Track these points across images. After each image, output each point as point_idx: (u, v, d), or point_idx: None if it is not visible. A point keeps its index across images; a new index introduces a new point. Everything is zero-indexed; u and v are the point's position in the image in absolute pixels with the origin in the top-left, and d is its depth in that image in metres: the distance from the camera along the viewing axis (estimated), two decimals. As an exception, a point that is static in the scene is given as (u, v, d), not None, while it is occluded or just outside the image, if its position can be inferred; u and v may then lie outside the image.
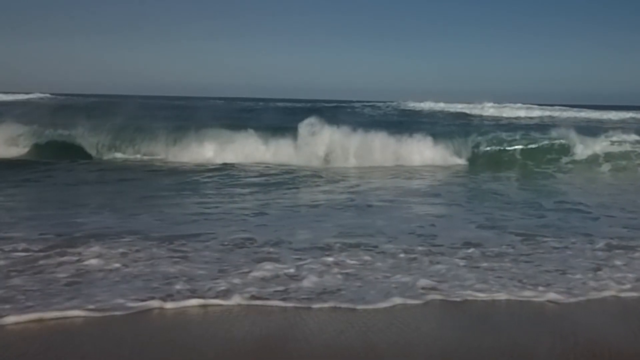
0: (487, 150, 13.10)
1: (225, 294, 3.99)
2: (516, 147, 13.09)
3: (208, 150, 12.09)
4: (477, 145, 13.19)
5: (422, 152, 12.59)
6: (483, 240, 5.56)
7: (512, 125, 19.10)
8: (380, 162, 12.11)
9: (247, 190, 8.61)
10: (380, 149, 12.42)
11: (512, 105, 37.85)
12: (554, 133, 13.41)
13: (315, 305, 3.85)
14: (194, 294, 3.97)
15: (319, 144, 12.24)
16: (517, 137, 13.39)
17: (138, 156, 12.19)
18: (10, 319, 3.44)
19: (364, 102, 48.80)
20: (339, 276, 4.44)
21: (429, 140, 12.91)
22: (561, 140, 13.06)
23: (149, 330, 3.49)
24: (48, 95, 45.35)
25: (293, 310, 3.77)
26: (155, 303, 3.77)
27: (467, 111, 34.05)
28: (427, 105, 39.85)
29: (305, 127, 12.55)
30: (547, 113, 35.39)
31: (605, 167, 12.20)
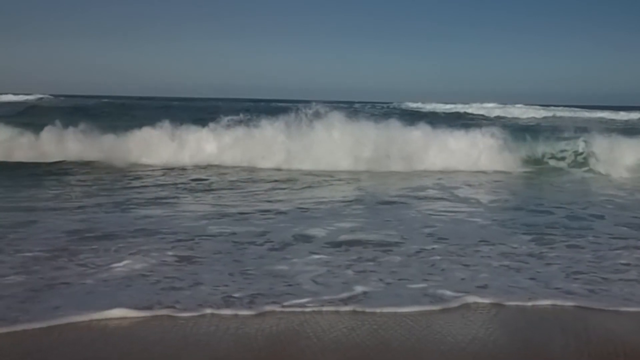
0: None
1: (238, 294, 3.90)
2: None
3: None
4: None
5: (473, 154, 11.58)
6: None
7: (532, 126, 18.50)
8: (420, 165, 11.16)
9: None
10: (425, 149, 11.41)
11: (514, 105, 37.59)
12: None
13: (330, 308, 3.71)
14: (206, 295, 3.87)
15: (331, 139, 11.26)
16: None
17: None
18: (22, 325, 3.34)
19: (361, 102, 48.53)
20: (356, 277, 4.33)
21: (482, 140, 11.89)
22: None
23: (159, 331, 3.40)
24: (48, 96, 44.95)
25: (309, 313, 3.64)
26: (166, 311, 3.63)
27: (472, 111, 33.73)
28: (426, 106, 39.57)
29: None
30: (551, 113, 35.12)
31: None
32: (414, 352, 3.17)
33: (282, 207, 7.05)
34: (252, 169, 10.62)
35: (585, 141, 12.28)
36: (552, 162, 11.91)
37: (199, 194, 8.08)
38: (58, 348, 3.15)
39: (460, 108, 36.83)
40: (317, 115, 11.79)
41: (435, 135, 12.04)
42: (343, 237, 5.49)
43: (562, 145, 12.43)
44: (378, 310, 3.70)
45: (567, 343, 3.30)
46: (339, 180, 9.72)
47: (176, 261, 4.60)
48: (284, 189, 8.69)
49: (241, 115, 12.34)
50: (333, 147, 11.18)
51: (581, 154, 12.04)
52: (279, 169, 10.66)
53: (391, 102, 49.50)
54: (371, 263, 4.68)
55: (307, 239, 5.41)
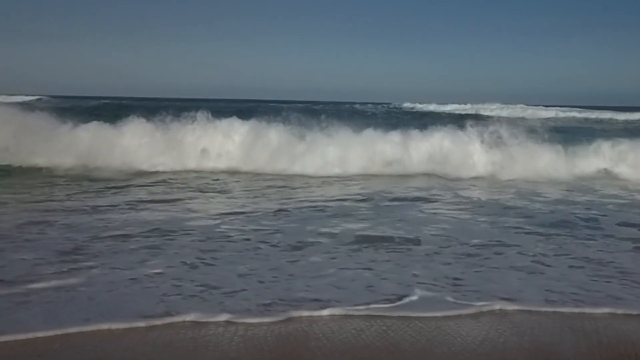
0: None
1: (252, 297, 3.82)
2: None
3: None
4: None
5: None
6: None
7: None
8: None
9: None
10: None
11: (515, 106, 37.18)
12: None
13: (349, 312, 3.60)
14: (219, 299, 3.79)
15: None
16: None
17: None
18: (34, 333, 3.25)
19: (362, 103, 48.48)
20: (373, 278, 4.25)
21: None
22: None
23: (171, 333, 3.35)
24: (46, 97, 44.76)
25: (325, 318, 3.54)
26: (181, 317, 3.53)
27: (479, 111, 33.35)
28: (428, 106, 39.30)
29: None
30: (553, 113, 34.76)
31: None
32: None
33: (294, 206, 7.05)
34: (262, 173, 10.22)
35: (608, 143, 11.88)
36: (582, 165, 11.33)
37: (210, 195, 8.05)
38: (64, 355, 3.05)
39: (462, 109, 36.50)
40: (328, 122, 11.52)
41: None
42: (357, 237, 5.47)
43: (587, 147, 11.92)
44: (396, 314, 3.61)
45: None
46: (351, 181, 9.65)
47: (190, 264, 4.54)
48: (295, 188, 8.68)
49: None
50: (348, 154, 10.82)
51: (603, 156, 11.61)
52: (291, 174, 10.23)
53: (390, 103, 49.45)
54: (389, 265, 4.62)
55: (322, 239, 5.37)
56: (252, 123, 11.65)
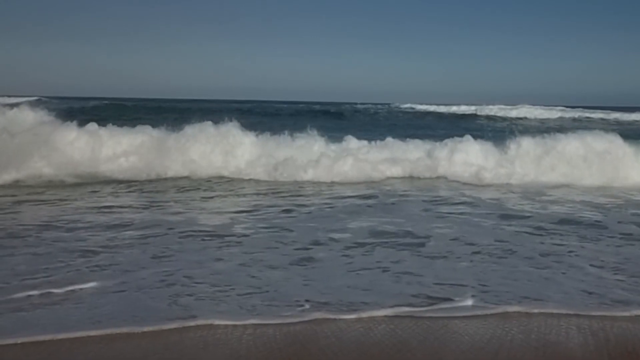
0: None
1: (265, 297, 3.82)
2: None
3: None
4: None
5: None
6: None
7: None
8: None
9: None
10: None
11: (516, 106, 36.81)
12: None
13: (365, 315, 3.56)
14: (236, 300, 3.76)
15: None
16: None
17: None
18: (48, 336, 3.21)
19: (363, 103, 48.43)
20: (390, 279, 4.23)
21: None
22: None
23: (177, 333, 3.34)
24: (43, 98, 44.44)
25: (348, 320, 3.50)
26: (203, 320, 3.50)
27: (485, 112, 33.10)
28: (427, 108, 39.07)
29: None
30: (558, 114, 34.54)
31: None
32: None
33: (306, 204, 7.15)
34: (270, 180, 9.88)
35: None
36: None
37: (222, 195, 8.16)
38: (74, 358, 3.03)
39: (463, 110, 36.25)
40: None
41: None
42: (369, 236, 5.50)
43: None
44: (426, 315, 3.58)
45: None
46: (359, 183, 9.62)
47: (204, 263, 4.54)
48: (304, 187, 8.84)
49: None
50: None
51: None
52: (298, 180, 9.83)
53: (390, 103, 49.38)
54: (400, 264, 4.63)
55: (333, 239, 5.39)
56: (258, 132, 11.23)
